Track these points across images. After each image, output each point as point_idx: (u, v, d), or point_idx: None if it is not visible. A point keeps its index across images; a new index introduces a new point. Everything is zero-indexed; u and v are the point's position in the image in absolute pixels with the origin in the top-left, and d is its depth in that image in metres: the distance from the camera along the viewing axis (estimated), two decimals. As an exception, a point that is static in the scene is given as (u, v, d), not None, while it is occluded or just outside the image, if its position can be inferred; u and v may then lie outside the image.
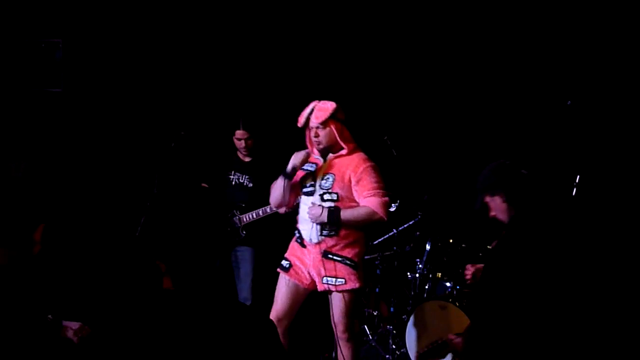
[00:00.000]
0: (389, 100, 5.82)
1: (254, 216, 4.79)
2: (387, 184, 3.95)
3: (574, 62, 5.31)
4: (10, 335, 2.56)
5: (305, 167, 3.98)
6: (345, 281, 3.86)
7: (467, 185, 5.61)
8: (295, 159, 3.91)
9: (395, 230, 5.14)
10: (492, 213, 3.24)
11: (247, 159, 4.92)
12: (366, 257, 5.20)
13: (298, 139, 4.05)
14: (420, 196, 5.11)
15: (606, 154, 5.07)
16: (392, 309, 5.19)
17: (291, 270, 3.98)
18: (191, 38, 5.70)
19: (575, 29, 5.25)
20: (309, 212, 3.85)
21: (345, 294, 3.88)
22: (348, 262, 3.86)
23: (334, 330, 3.94)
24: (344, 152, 3.92)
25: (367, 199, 3.84)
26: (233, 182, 4.89)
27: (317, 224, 3.84)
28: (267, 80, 5.77)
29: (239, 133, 4.80)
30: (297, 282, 3.97)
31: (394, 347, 4.85)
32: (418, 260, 4.93)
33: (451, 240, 4.85)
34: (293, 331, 4.06)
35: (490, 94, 5.61)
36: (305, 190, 3.97)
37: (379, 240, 5.31)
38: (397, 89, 5.79)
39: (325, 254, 3.87)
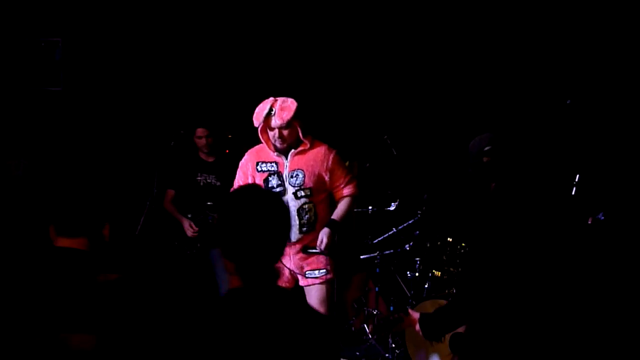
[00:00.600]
0: (389, 99, 5.82)
1: None
2: (387, 183, 3.99)
3: (573, 61, 5.31)
4: None
5: (264, 168, 3.95)
6: (327, 271, 3.98)
7: (466, 184, 5.65)
8: None
9: (394, 229, 5.14)
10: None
11: (210, 159, 4.97)
12: (366, 256, 5.23)
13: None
14: (419, 195, 5.11)
15: (606, 153, 5.08)
16: (391, 308, 5.19)
17: (283, 279, 3.98)
18: (189, 37, 5.70)
19: (575, 28, 5.25)
20: (322, 246, 3.87)
21: (326, 284, 3.98)
22: (326, 252, 3.93)
23: None
24: (306, 146, 3.91)
25: (346, 188, 3.99)
26: (201, 183, 4.93)
27: (328, 243, 3.87)
28: (265, 80, 5.77)
29: (199, 131, 4.87)
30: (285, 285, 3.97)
31: (393, 346, 4.85)
32: (417, 259, 4.93)
33: (450, 239, 4.85)
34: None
35: (490, 94, 5.61)
36: (273, 191, 3.88)
37: (379, 239, 5.31)
38: (397, 89, 5.79)
39: (304, 249, 3.93)
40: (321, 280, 3.96)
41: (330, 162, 3.91)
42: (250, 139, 4.23)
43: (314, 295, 3.96)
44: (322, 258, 3.95)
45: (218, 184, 4.91)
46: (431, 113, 5.77)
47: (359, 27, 5.71)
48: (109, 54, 5.60)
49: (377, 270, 5.17)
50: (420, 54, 5.71)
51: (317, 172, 3.88)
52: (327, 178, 3.93)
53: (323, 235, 3.87)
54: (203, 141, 4.88)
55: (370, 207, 5.10)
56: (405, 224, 5.16)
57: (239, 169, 4.09)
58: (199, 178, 4.93)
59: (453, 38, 5.62)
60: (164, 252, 5.11)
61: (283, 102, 3.83)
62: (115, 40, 5.60)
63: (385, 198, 5.15)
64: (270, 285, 1.95)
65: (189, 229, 4.82)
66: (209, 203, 4.87)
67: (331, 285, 4.00)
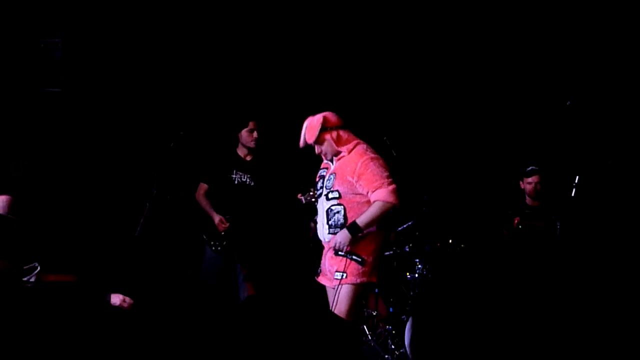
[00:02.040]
0: (389, 101, 5.82)
1: None
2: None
3: (573, 62, 5.31)
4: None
5: (321, 173, 4.14)
6: (347, 275, 3.88)
7: (466, 185, 5.66)
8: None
9: (394, 231, 5.14)
10: None
11: (248, 158, 4.95)
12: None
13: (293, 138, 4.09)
14: (419, 196, 5.11)
15: (605, 154, 5.08)
16: (391, 309, 5.19)
17: (320, 276, 4.10)
18: (190, 37, 5.70)
19: (574, 29, 5.25)
20: (338, 244, 3.88)
21: (344, 287, 3.89)
22: (354, 257, 3.89)
23: None
24: (344, 154, 4.00)
25: (374, 193, 3.85)
26: (235, 182, 4.90)
27: (344, 245, 3.86)
28: (265, 80, 5.77)
29: (252, 124, 4.85)
30: (326, 284, 4.05)
31: (393, 347, 4.85)
32: (417, 260, 4.93)
33: (450, 241, 4.85)
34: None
35: (490, 95, 5.61)
36: (318, 192, 4.11)
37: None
38: (397, 90, 5.79)
39: (336, 251, 3.93)
40: (337, 283, 3.89)
41: (358, 167, 3.88)
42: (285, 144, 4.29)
43: (336, 297, 3.92)
44: (347, 262, 3.89)
45: (252, 184, 4.89)
46: (431, 114, 5.77)
47: (358, 28, 5.71)
48: (108, 55, 5.60)
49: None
50: (420, 55, 5.72)
51: (345, 177, 3.92)
52: (355, 182, 3.89)
53: (337, 236, 3.89)
54: (255, 135, 4.85)
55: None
56: (405, 225, 5.16)
57: None
58: (233, 176, 4.91)
59: (453, 39, 5.62)
60: (165, 249, 5.12)
61: (310, 122, 3.97)
62: (115, 41, 5.59)
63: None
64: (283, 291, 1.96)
65: (220, 224, 4.83)
66: (227, 217, 4.86)
67: (348, 290, 3.88)
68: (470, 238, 4.90)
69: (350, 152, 3.98)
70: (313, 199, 4.51)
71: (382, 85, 5.79)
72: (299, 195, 4.64)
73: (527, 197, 5.20)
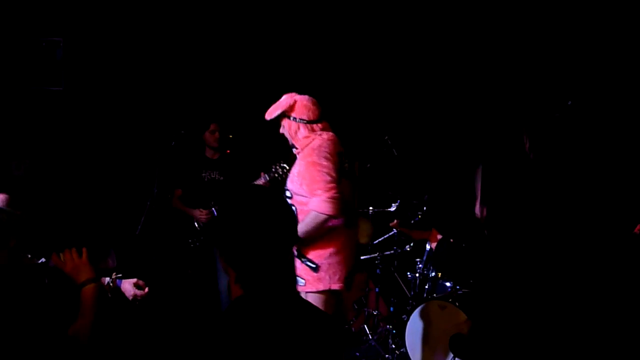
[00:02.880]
0: (390, 100, 5.82)
1: None
2: (388, 184, 3.85)
3: (574, 62, 5.30)
4: None
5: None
6: (305, 283, 3.59)
7: (468, 184, 5.65)
8: None
9: (395, 230, 5.15)
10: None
11: (215, 156, 5.14)
12: (366, 257, 5.23)
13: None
14: (420, 196, 5.10)
15: (607, 154, 5.06)
16: (391, 309, 5.19)
17: None
18: (191, 37, 5.70)
19: (576, 29, 5.25)
20: None
21: (308, 295, 3.59)
22: (308, 263, 3.59)
23: None
24: (298, 150, 3.68)
25: (310, 202, 3.50)
26: (206, 179, 5.10)
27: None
28: (264, 82, 5.77)
29: (213, 126, 5.06)
30: None
31: (393, 346, 4.85)
32: (418, 260, 4.93)
33: (451, 240, 4.84)
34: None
35: (491, 94, 5.60)
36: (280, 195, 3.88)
37: (379, 240, 5.32)
38: (399, 89, 5.79)
39: (297, 254, 3.61)
40: (300, 290, 3.57)
41: (302, 171, 3.54)
42: (251, 138, 4.25)
43: None
44: (303, 267, 3.59)
45: (221, 178, 5.10)
46: (432, 114, 5.77)
47: (359, 27, 5.72)
48: (110, 54, 5.61)
49: (378, 270, 5.18)
50: (422, 55, 5.72)
51: (294, 176, 3.63)
52: (300, 186, 3.57)
53: None
54: (216, 135, 5.07)
55: (371, 208, 5.10)
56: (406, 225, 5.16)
57: None
58: (203, 174, 5.10)
59: (454, 39, 5.62)
60: (166, 248, 5.14)
61: (283, 98, 3.70)
62: (117, 40, 5.60)
63: (386, 199, 5.15)
64: (274, 291, 1.90)
65: (201, 214, 4.98)
66: (213, 202, 4.99)
67: (314, 298, 3.56)
68: (471, 237, 4.89)
69: (302, 149, 3.63)
70: (277, 175, 4.23)
71: (383, 86, 5.79)
72: (262, 174, 4.52)
73: None
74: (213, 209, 4.99)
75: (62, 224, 5.35)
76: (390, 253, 5.19)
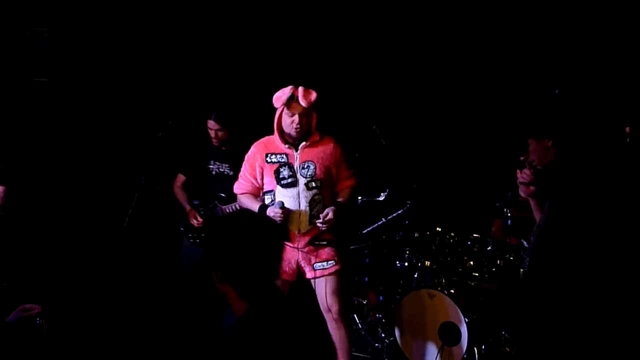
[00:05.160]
0: (378, 89, 5.81)
1: (237, 207, 4.50)
2: (377, 173, 4.05)
3: (561, 50, 5.32)
4: None
5: (274, 160, 3.94)
6: (335, 262, 3.98)
7: (456, 174, 5.67)
8: (273, 214, 3.84)
9: (384, 219, 5.15)
10: (530, 157, 3.37)
11: (225, 147, 4.74)
12: (355, 246, 5.23)
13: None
14: (409, 185, 5.11)
15: (592, 144, 5.08)
16: (381, 298, 5.20)
17: (286, 274, 3.96)
18: (177, 27, 5.66)
19: (563, 17, 5.26)
20: (326, 221, 3.86)
21: (335, 274, 3.97)
22: (333, 243, 3.98)
23: (326, 314, 3.95)
24: (315, 138, 3.97)
25: (349, 180, 4.07)
26: (213, 172, 4.76)
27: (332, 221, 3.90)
28: (251, 70, 5.75)
29: (210, 123, 4.63)
30: (287, 279, 3.97)
31: (383, 335, 4.87)
32: (407, 249, 4.94)
33: (439, 229, 4.86)
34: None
35: (479, 84, 5.61)
36: (284, 182, 3.90)
37: (368, 229, 5.32)
38: (386, 79, 5.78)
39: (312, 242, 3.92)
40: (330, 272, 3.97)
41: (338, 156, 4.00)
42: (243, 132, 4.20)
43: (326, 287, 3.94)
44: (329, 249, 3.97)
45: (231, 173, 4.66)
46: (420, 103, 5.77)
47: (346, 17, 5.70)
48: (95, 45, 5.55)
49: (367, 260, 5.19)
50: (409, 44, 5.71)
51: (326, 165, 3.94)
52: (334, 171, 3.99)
53: (329, 210, 3.89)
54: (212, 134, 4.65)
55: (359, 197, 5.09)
56: (394, 214, 5.16)
57: (245, 162, 4.06)
58: (211, 166, 4.76)
59: (440, 28, 5.61)
60: (161, 238, 5.08)
61: (304, 89, 3.85)
62: (102, 31, 5.54)
63: (374, 188, 5.15)
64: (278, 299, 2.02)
65: (194, 220, 4.72)
66: (221, 195, 4.67)
67: (339, 276, 4.02)
68: (459, 227, 4.90)
69: (321, 139, 4.00)
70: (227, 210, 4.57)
71: (371, 75, 5.78)
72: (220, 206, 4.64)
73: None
74: (217, 208, 4.69)
75: (47, 217, 5.32)
76: (380, 242, 5.20)
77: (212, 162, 4.76)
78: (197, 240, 4.77)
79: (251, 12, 5.70)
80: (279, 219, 3.80)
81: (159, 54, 5.66)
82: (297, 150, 3.93)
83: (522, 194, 3.57)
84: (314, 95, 3.84)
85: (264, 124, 4.15)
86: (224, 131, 4.64)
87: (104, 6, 5.51)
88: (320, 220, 3.86)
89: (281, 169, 3.90)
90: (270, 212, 3.85)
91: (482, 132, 5.61)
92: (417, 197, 5.09)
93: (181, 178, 4.89)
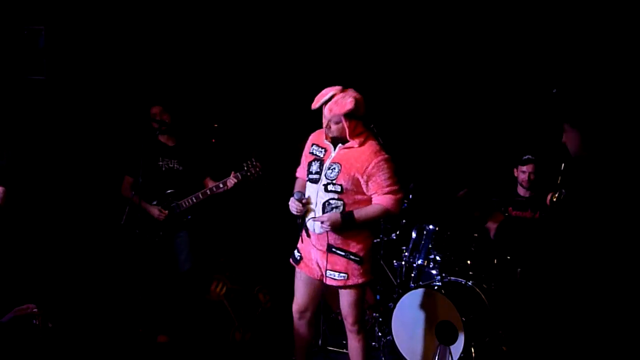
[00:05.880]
0: (375, 88, 5.80)
1: (194, 200, 4.76)
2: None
3: (559, 50, 5.32)
4: None
5: (315, 152, 3.82)
6: (348, 276, 3.73)
7: (453, 173, 5.67)
8: (290, 202, 3.76)
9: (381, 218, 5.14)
10: (564, 139, 3.39)
11: (170, 143, 4.90)
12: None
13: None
14: (406, 184, 5.11)
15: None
16: (378, 297, 5.20)
17: (302, 263, 3.88)
18: (174, 24, 5.66)
19: (561, 17, 5.26)
20: (326, 223, 3.64)
21: (349, 290, 3.76)
22: (352, 257, 3.72)
23: (344, 321, 3.88)
24: (354, 144, 3.72)
25: (381, 197, 3.68)
26: (163, 168, 4.84)
27: (328, 228, 3.65)
28: (251, 69, 5.75)
29: (154, 109, 4.83)
30: (308, 274, 3.86)
31: (380, 334, 4.87)
32: (404, 248, 4.94)
33: (437, 229, 4.86)
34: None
35: (476, 83, 5.61)
36: (311, 176, 3.79)
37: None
38: (383, 77, 5.78)
39: (329, 248, 3.73)
40: (338, 284, 3.75)
41: (370, 167, 3.65)
42: (236, 128, 4.18)
43: (342, 297, 3.80)
44: (344, 261, 3.73)
45: (180, 168, 4.84)
46: (417, 102, 5.77)
47: (343, 16, 5.69)
48: (93, 42, 5.55)
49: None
50: (406, 44, 5.71)
51: (352, 173, 3.66)
52: (363, 181, 3.67)
53: (330, 215, 3.66)
54: (157, 118, 4.79)
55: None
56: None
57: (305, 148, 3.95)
58: (160, 163, 4.84)
59: (438, 28, 5.61)
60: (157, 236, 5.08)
61: (342, 96, 3.64)
62: (99, 28, 5.54)
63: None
64: None
65: (160, 213, 4.77)
66: (169, 191, 4.80)
67: (356, 290, 3.76)
68: (456, 226, 4.90)
69: (361, 145, 3.71)
70: (250, 173, 4.54)
71: (368, 72, 5.78)
72: (232, 173, 4.63)
73: (519, 186, 5.19)
74: (173, 203, 4.78)
75: (45, 215, 5.32)
76: (377, 241, 5.20)
77: (160, 159, 4.85)
78: (156, 239, 4.82)
79: (249, 9, 5.70)
80: (294, 209, 3.72)
81: (156, 52, 5.66)
82: (334, 149, 3.78)
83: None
84: (342, 108, 3.60)
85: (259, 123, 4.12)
86: (167, 114, 4.83)
87: (101, 4, 5.50)
88: (316, 217, 3.72)
89: (313, 162, 3.79)
90: (290, 200, 3.78)
91: (479, 130, 5.62)
92: (415, 195, 5.09)
93: (129, 180, 4.92)
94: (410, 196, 5.07)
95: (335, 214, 3.66)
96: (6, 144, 5.42)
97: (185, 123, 5.03)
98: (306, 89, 3.94)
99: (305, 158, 3.90)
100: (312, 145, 3.86)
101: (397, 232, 5.16)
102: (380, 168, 3.65)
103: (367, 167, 3.65)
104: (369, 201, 3.71)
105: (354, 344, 3.88)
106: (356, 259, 3.72)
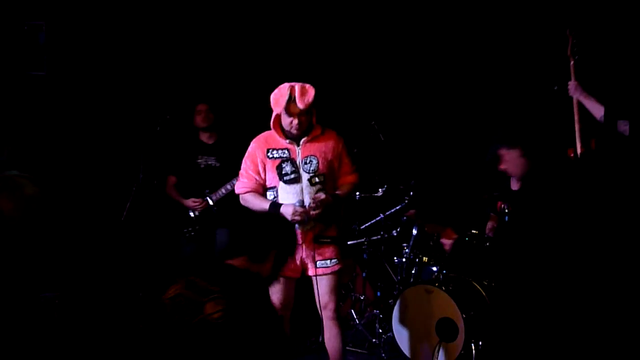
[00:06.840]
0: (376, 85, 5.81)
1: (224, 191, 4.88)
2: (375, 169, 3.97)
3: (560, 47, 5.31)
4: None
5: (276, 155, 3.83)
6: (338, 261, 3.89)
7: (454, 170, 5.67)
8: (292, 211, 3.75)
9: (382, 215, 5.15)
10: (503, 166, 3.40)
11: (210, 141, 5.02)
12: (353, 242, 5.23)
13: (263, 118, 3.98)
14: (407, 181, 5.11)
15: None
16: (378, 294, 5.21)
17: (292, 270, 3.86)
18: (175, 20, 5.65)
19: (561, 13, 5.25)
20: (319, 202, 3.72)
21: (336, 273, 3.90)
22: (337, 241, 3.90)
23: (322, 312, 3.88)
24: (317, 132, 3.87)
25: (352, 175, 3.98)
26: (202, 166, 4.96)
27: (319, 210, 3.75)
28: (250, 67, 5.73)
29: (200, 106, 4.97)
30: (289, 276, 3.84)
31: (380, 331, 4.87)
32: (405, 244, 4.94)
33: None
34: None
35: (478, 80, 5.61)
36: (287, 178, 3.81)
37: (366, 225, 5.32)
38: (385, 75, 5.77)
39: (316, 239, 3.82)
40: (332, 270, 3.87)
41: (340, 149, 3.92)
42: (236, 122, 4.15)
43: (324, 285, 3.86)
44: (332, 248, 3.86)
45: (218, 165, 4.96)
46: (419, 99, 5.77)
47: (344, 13, 5.69)
48: (93, 38, 5.53)
49: (365, 255, 5.19)
50: (407, 40, 5.70)
51: (329, 159, 3.85)
52: (337, 165, 3.91)
53: (322, 195, 3.76)
54: (203, 116, 4.96)
55: (357, 193, 5.09)
56: (392, 210, 5.17)
57: (245, 158, 3.94)
58: (199, 160, 4.97)
59: (439, 24, 5.61)
60: (152, 233, 5.09)
61: (301, 87, 3.72)
62: (100, 24, 5.52)
63: (372, 184, 5.15)
64: None
65: (195, 204, 4.90)
66: (207, 190, 4.93)
67: (339, 274, 3.94)
68: (458, 222, 4.90)
69: (323, 132, 3.90)
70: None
71: (369, 71, 5.78)
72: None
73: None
74: (207, 197, 4.91)
75: (45, 211, 5.30)
76: (377, 238, 5.20)
77: (199, 157, 4.96)
78: (192, 234, 4.92)
79: (250, 8, 5.69)
80: (299, 216, 3.73)
81: (157, 48, 5.65)
82: (298, 145, 3.83)
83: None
84: (311, 95, 3.70)
85: (258, 123, 4.10)
86: (213, 113, 4.98)
87: (101, 0, 5.49)
88: (327, 240, 3.82)
89: (283, 165, 3.81)
90: (288, 209, 3.74)
91: (480, 127, 5.61)
92: (416, 192, 5.09)
93: (172, 180, 5.05)
94: (412, 193, 5.07)
95: (321, 194, 3.80)
96: (6, 140, 5.41)
97: (226, 120, 5.10)
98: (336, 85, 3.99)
99: (261, 165, 3.88)
100: (267, 151, 3.86)
101: (398, 229, 5.16)
102: (345, 149, 3.96)
103: (338, 151, 3.92)
104: (334, 185, 3.94)
105: (334, 330, 3.89)
106: (339, 242, 3.91)
